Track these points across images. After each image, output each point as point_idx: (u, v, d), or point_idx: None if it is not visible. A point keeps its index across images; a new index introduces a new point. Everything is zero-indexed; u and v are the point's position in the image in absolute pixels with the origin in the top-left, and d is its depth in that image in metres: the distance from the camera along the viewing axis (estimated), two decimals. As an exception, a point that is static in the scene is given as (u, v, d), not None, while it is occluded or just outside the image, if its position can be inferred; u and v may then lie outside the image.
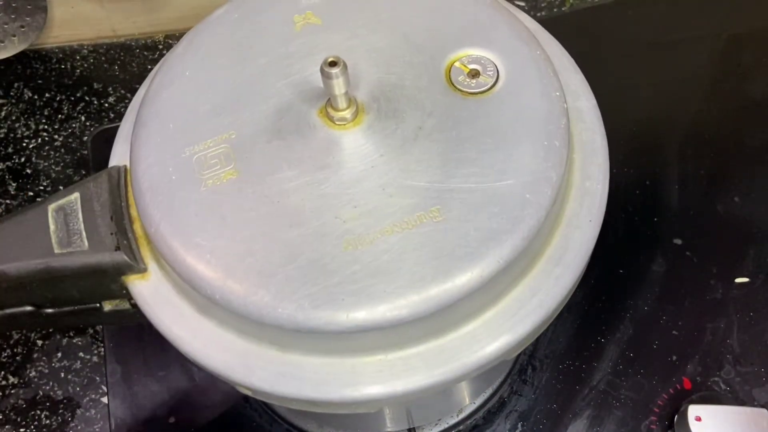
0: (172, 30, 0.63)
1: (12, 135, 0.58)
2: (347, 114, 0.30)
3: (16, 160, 0.56)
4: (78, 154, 0.57)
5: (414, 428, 0.44)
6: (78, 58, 0.62)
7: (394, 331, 0.27)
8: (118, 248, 0.29)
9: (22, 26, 0.59)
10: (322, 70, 0.28)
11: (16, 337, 0.49)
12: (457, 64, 0.31)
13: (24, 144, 0.57)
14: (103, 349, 0.47)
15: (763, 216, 0.50)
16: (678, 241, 0.49)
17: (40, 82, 0.61)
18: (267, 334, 0.28)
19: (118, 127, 0.34)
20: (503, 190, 0.28)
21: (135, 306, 0.31)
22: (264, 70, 0.32)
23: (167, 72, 0.32)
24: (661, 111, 0.56)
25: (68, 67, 0.62)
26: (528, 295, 0.29)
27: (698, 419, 0.40)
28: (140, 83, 0.36)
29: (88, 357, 0.48)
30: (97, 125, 0.58)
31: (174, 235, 0.28)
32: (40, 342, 0.48)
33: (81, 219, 0.30)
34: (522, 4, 0.62)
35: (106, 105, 0.59)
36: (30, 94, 0.60)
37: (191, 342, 0.29)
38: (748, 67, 0.57)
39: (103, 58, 0.62)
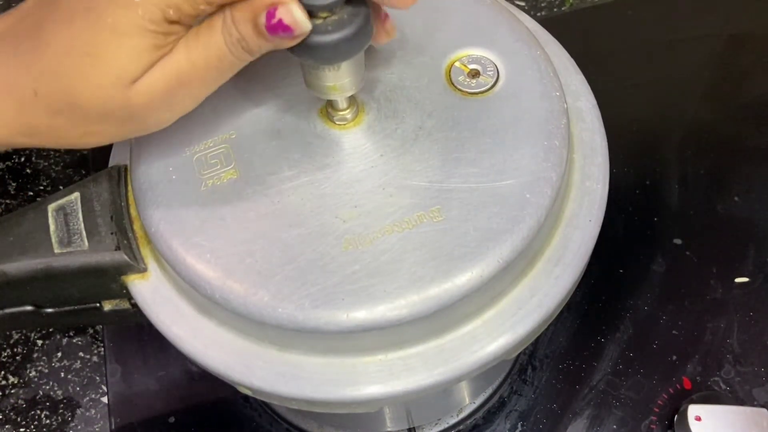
0: (172, 30, 0.63)
1: (12, 135, 0.58)
2: (347, 114, 0.30)
3: (16, 160, 0.56)
4: (78, 154, 0.57)
5: (414, 428, 0.44)
6: (78, 58, 0.62)
7: (394, 331, 0.27)
8: (118, 248, 0.29)
9: (22, 26, 0.59)
10: (322, 70, 0.28)
11: (16, 337, 0.49)
12: (457, 64, 0.31)
13: (24, 144, 0.57)
14: (103, 349, 0.47)
15: (763, 216, 0.50)
16: (678, 241, 0.49)
17: (40, 82, 0.61)
18: (267, 333, 0.28)
19: (118, 127, 0.34)
20: (503, 190, 0.28)
21: (135, 306, 0.31)
22: (264, 69, 0.32)
23: (167, 72, 0.32)
24: (661, 111, 0.56)
25: (68, 67, 0.62)
26: (528, 295, 0.29)
27: (698, 419, 0.40)
28: (140, 83, 0.36)
29: (88, 357, 0.48)
30: (97, 125, 0.58)
31: (174, 235, 0.28)
32: (40, 342, 0.48)
33: (81, 219, 0.30)
34: (522, 4, 0.62)
35: (106, 105, 0.59)
36: (30, 94, 0.60)
37: (191, 342, 0.29)
38: (748, 67, 0.57)
39: (103, 58, 0.62)
